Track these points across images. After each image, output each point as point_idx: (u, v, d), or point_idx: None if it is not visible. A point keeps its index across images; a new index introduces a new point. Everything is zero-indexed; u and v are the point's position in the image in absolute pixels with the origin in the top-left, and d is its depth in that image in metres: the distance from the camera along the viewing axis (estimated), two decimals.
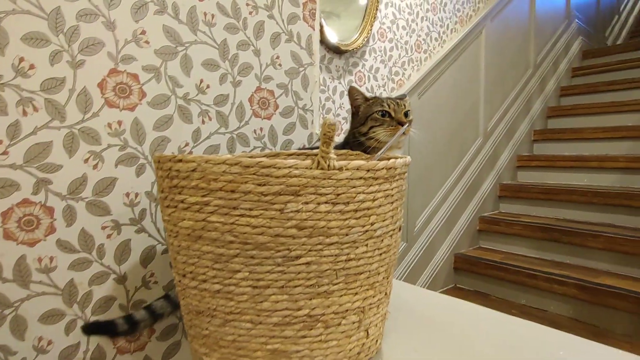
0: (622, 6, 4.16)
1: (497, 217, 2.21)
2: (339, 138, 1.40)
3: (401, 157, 0.50)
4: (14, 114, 0.55)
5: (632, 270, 1.75)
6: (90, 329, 0.60)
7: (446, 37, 2.07)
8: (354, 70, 1.66)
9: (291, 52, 0.84)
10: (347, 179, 0.42)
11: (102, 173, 0.62)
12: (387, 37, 1.78)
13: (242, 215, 0.40)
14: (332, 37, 1.54)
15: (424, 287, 1.90)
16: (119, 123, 0.63)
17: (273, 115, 0.81)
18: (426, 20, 1.96)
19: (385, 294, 0.51)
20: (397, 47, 1.83)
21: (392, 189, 0.47)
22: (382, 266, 0.48)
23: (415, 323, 0.59)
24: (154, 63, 0.66)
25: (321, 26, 1.48)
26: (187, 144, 0.70)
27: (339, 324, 0.44)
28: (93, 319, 0.61)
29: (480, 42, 2.23)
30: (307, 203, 0.40)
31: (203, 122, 0.72)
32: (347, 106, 1.63)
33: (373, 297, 0.47)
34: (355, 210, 0.43)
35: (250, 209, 0.40)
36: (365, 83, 1.70)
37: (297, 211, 0.40)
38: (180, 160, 0.43)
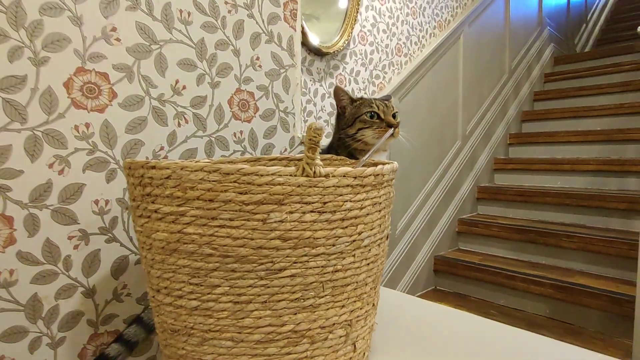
0: (589, 15, 4.34)
1: (476, 219, 2.24)
2: (323, 142, 1.39)
3: (388, 163, 0.48)
4: None
5: (605, 270, 1.80)
6: None
7: (425, 42, 2.09)
8: (335, 73, 1.65)
9: (272, 53, 0.82)
10: (333, 186, 0.40)
11: (69, 179, 0.58)
12: (367, 40, 1.78)
13: (221, 226, 0.38)
14: (314, 40, 1.53)
15: (405, 290, 1.90)
16: (87, 125, 0.59)
17: (253, 118, 0.79)
18: (406, 24, 1.97)
19: (373, 305, 0.49)
20: (378, 50, 1.84)
21: (380, 197, 0.45)
22: (369, 277, 0.46)
23: (401, 333, 0.58)
24: (126, 62, 0.63)
25: (302, 27, 1.46)
26: (162, 148, 0.67)
27: (326, 339, 0.42)
28: (60, 335, 0.57)
29: (459, 47, 2.26)
30: (291, 212, 0.39)
31: (179, 124, 0.69)
32: (329, 109, 1.61)
33: (360, 309, 0.46)
34: (343, 220, 0.41)
35: (231, 220, 0.38)
36: (346, 86, 1.70)
37: (281, 221, 0.38)
38: (153, 167, 0.40)
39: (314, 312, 0.41)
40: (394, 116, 0.71)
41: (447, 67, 2.19)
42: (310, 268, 0.40)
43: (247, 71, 0.78)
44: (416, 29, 2.03)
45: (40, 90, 0.55)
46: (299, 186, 0.39)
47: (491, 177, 2.58)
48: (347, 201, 0.41)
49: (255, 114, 0.80)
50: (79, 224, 0.58)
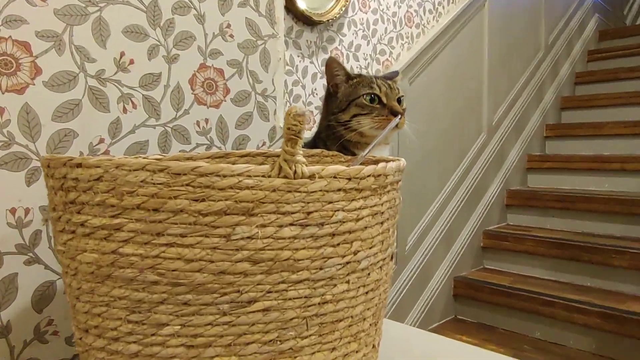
0: None
1: (505, 230, 2.23)
2: (309, 132, 1.37)
3: (394, 160, 0.46)
4: None
5: None
6: None
7: (442, 10, 2.09)
8: (330, 47, 1.64)
9: (247, 20, 0.80)
10: (321, 191, 0.39)
11: None
12: (370, 7, 1.77)
13: (170, 245, 0.36)
14: (302, 4, 1.51)
15: (417, 323, 1.89)
16: (1, 111, 0.56)
17: (223, 102, 0.78)
18: None
19: (373, 346, 0.47)
20: (383, 19, 1.83)
21: (382, 204, 0.44)
22: (368, 309, 0.44)
23: None
24: (54, 28, 0.61)
25: None
26: (101, 140, 0.65)
27: None
28: None
29: (483, 16, 2.26)
30: (264, 226, 0.37)
31: (125, 110, 0.67)
32: (321, 92, 1.59)
33: (357, 352, 0.44)
34: (333, 235, 0.40)
35: (183, 236, 0.36)
36: (344, 63, 1.67)
37: (251, 237, 0.37)
38: (79, 165, 0.37)
39: (295, 357, 0.39)
40: (399, 101, 0.70)
41: (469, 42, 2.19)
42: (289, 299, 0.38)
43: (214, 42, 0.76)
44: None
45: None
46: (274, 191, 0.37)
47: (524, 179, 2.58)
48: (338, 210, 0.40)
49: (225, 97, 0.79)
50: None
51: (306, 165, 0.38)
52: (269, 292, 0.38)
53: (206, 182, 0.35)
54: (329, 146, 0.70)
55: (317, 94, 1.60)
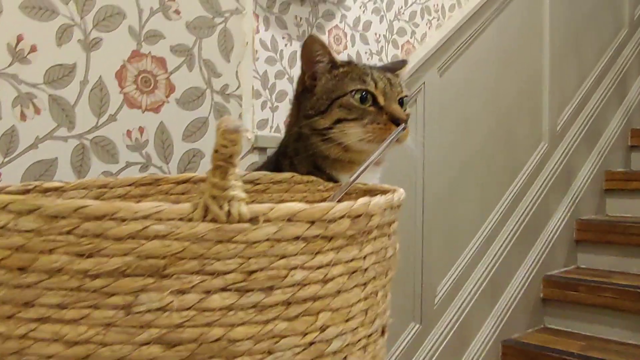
0: None
1: (574, 276, 2.20)
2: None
3: (384, 192, 0.46)
4: None
5: None
6: None
7: None
8: (328, 26, 1.63)
9: None
10: (268, 240, 0.38)
11: None
12: None
13: (43, 320, 0.36)
14: None
15: None
16: None
17: (164, 104, 0.78)
18: None
19: None
20: None
21: (363, 258, 0.43)
22: None
23: None
24: None
25: None
26: None
27: None
28: None
29: None
30: (182, 292, 0.36)
31: (23, 115, 0.67)
32: None
33: None
34: (287, 304, 0.39)
35: (62, 307, 0.36)
36: (347, 48, 1.67)
37: (162, 309, 0.36)
38: None
39: None
40: (401, 102, 0.68)
41: (523, 18, 2.18)
42: None
43: (152, 21, 0.76)
44: None
45: None
46: (197, 241, 0.36)
47: (600, 205, 2.56)
48: (295, 268, 0.39)
49: (167, 97, 0.79)
50: None
51: (246, 203, 0.37)
52: None
53: (96, 228, 0.35)
54: (296, 165, 0.69)
55: None
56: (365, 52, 1.73)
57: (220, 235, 0.36)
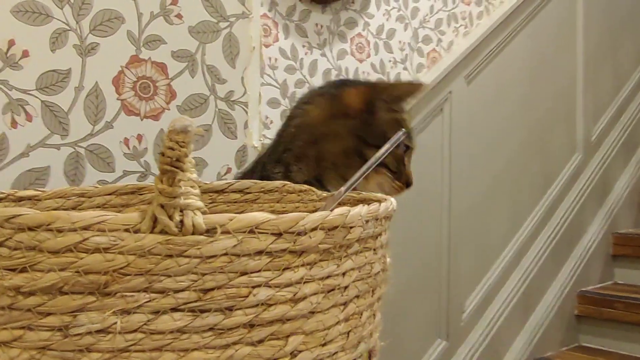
0: None
1: (611, 293, 2.17)
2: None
3: (371, 201, 0.45)
4: None
5: None
6: None
7: None
8: (350, 34, 1.64)
9: None
10: (226, 255, 0.35)
11: None
12: None
13: None
14: None
15: None
16: None
17: (165, 111, 0.77)
18: None
19: None
20: None
21: (342, 275, 0.40)
22: None
23: None
24: None
25: None
26: None
27: None
28: None
29: None
30: (127, 312, 0.34)
31: (14, 123, 0.66)
32: None
33: None
34: (250, 326, 0.37)
35: None
36: (370, 56, 1.67)
37: (104, 331, 0.34)
38: None
39: None
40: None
41: (556, 24, 2.17)
42: None
43: (152, 25, 0.75)
44: None
45: None
46: (144, 255, 0.34)
47: (639, 217, 2.51)
48: (259, 286, 0.36)
49: (168, 103, 0.78)
50: None
51: (202, 213, 0.35)
52: None
53: (29, 240, 0.33)
54: (293, 173, 0.67)
55: None
56: (389, 60, 1.74)
57: (170, 249, 0.34)
